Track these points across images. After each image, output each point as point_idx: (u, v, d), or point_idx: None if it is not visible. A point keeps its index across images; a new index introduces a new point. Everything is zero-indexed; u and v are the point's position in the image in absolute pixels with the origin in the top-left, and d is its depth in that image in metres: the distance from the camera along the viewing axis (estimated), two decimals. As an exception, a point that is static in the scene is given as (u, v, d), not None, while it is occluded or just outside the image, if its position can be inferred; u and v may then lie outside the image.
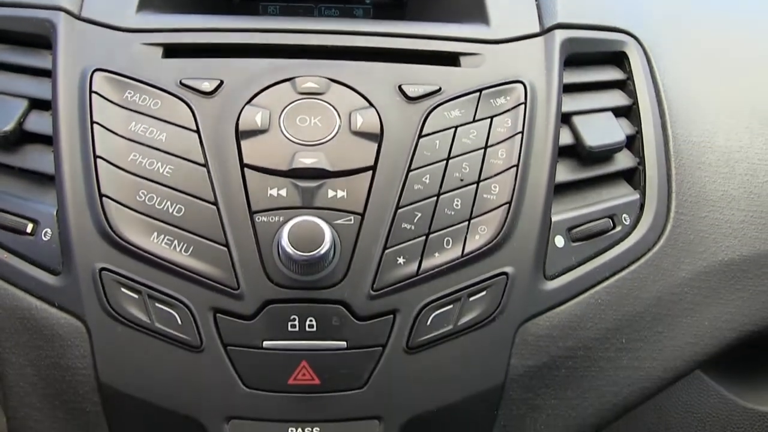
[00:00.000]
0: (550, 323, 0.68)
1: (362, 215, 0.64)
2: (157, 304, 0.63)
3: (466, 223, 0.66)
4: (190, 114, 0.67)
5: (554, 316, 0.68)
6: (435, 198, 0.66)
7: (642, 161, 0.74)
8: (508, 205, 0.66)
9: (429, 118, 0.68)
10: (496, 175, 0.67)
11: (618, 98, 0.77)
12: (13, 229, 0.66)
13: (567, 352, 0.69)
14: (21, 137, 0.68)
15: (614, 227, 0.71)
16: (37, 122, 0.68)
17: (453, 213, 0.65)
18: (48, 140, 0.68)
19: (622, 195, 0.73)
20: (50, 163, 0.67)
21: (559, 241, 0.69)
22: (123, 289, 0.64)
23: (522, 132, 0.69)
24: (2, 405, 0.67)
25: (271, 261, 0.63)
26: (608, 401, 0.71)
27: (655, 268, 0.72)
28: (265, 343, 0.63)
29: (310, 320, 0.63)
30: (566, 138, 0.72)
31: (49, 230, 0.66)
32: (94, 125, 0.66)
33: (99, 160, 0.65)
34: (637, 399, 0.72)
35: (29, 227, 0.66)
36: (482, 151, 0.68)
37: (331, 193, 0.64)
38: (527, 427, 0.68)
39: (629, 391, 0.71)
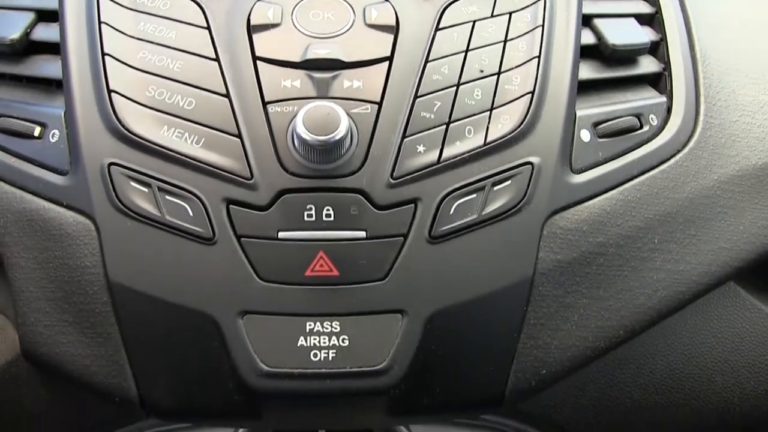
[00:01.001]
0: (579, 217, 0.65)
1: (379, 104, 0.62)
2: (167, 197, 0.61)
3: (488, 112, 0.63)
4: (200, 12, 0.65)
5: (583, 210, 0.65)
6: (455, 88, 0.63)
7: (668, 66, 0.72)
8: (530, 94, 0.64)
9: (446, 12, 0.66)
10: (517, 66, 0.65)
11: (641, 6, 0.75)
12: (20, 133, 0.64)
13: (598, 248, 0.65)
14: (28, 47, 0.66)
15: (641, 127, 0.68)
16: (45, 32, 0.67)
17: (474, 103, 0.63)
18: (55, 49, 0.66)
19: (648, 97, 0.70)
20: (58, 69, 0.65)
21: (585, 135, 0.66)
22: (132, 183, 0.61)
23: (542, 26, 0.66)
24: (11, 313, 0.64)
25: (286, 150, 0.61)
26: (642, 304, 0.67)
27: (685, 170, 0.69)
28: (280, 234, 0.60)
29: (327, 210, 0.61)
30: (588, 38, 0.69)
31: (56, 131, 0.64)
32: (102, 26, 0.64)
33: (107, 58, 0.63)
34: (672, 304, 0.68)
35: (37, 131, 0.65)
36: (502, 44, 0.66)
37: (346, 83, 0.62)
38: (558, 326, 0.64)
39: (663, 294, 0.68)
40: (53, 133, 0.64)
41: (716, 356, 0.74)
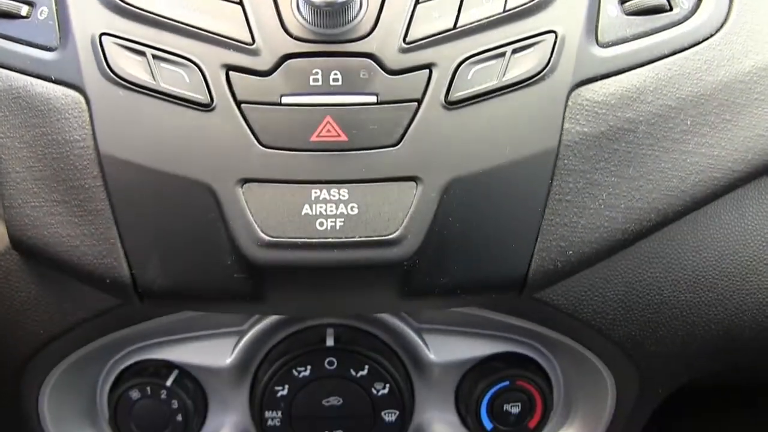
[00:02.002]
0: (607, 90, 0.60)
1: None
2: (162, 65, 0.56)
3: (507, -22, 0.58)
4: None
5: (611, 83, 0.60)
6: (471, -49, 0.58)
7: None
8: None
9: None
10: None
11: None
12: (6, 13, 0.60)
13: (627, 124, 0.60)
14: None
15: (671, 9, 0.63)
16: None
17: None
18: None
19: None
20: None
21: (612, 10, 0.61)
22: (125, 52, 0.57)
23: None
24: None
25: (290, 14, 0.56)
26: (675, 187, 0.62)
27: (719, 53, 0.64)
28: (284, 99, 0.56)
29: (335, 74, 0.56)
30: None
31: (45, 8, 0.60)
32: None
33: None
34: (706, 190, 0.63)
35: (24, 10, 0.61)
36: None
37: None
38: (586, 205, 0.59)
39: (697, 179, 0.63)
40: (41, 11, 0.60)
41: (751, 254, 0.69)
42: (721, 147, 0.65)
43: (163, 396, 0.76)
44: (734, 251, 0.70)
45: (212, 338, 0.78)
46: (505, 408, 0.77)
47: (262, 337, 0.76)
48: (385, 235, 0.56)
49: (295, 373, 0.74)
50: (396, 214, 0.56)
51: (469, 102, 0.57)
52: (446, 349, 0.77)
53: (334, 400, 0.75)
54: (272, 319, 0.75)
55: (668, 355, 0.72)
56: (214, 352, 0.77)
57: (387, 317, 0.75)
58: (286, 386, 0.75)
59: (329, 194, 0.56)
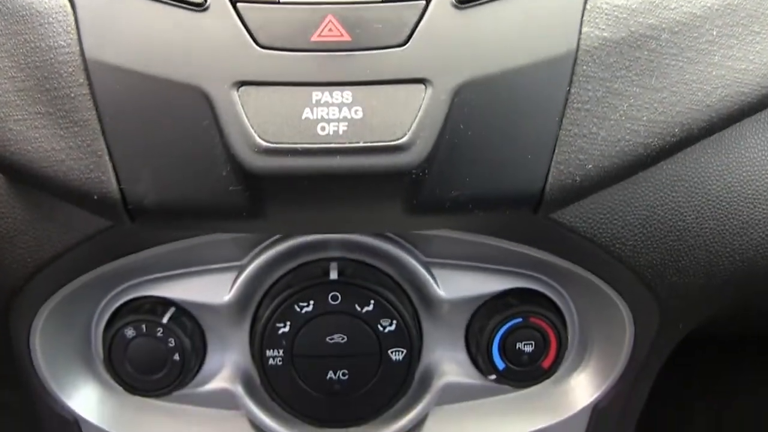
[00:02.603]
0: (628, -7, 0.55)
1: None
2: None
3: None
4: None
5: (632, -13, 0.55)
6: None
7: None
8: None
9: None
10: None
11: None
12: None
13: (649, 30, 0.56)
14: None
15: None
16: None
17: None
18: None
19: None
20: None
21: None
22: None
23: None
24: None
25: None
26: (700, 101, 0.58)
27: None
28: (281, -3, 0.51)
29: (337, -30, 0.51)
30: None
31: None
32: None
33: None
34: (733, 106, 0.59)
35: None
36: None
37: None
38: (606, 115, 0.55)
39: (724, 93, 0.59)
40: None
41: (779, 181, 0.64)
42: (749, 61, 0.61)
43: (159, 334, 0.73)
44: (761, 177, 0.66)
45: (210, 274, 0.74)
46: (517, 346, 0.73)
47: (262, 272, 0.72)
48: (391, 141, 0.52)
49: (297, 309, 0.71)
50: (403, 119, 0.52)
51: (480, 1, 0.53)
52: (456, 285, 0.73)
53: (339, 338, 0.71)
54: (273, 253, 0.71)
55: (689, 288, 0.68)
56: (212, 289, 0.74)
57: (393, 250, 0.71)
58: (288, 323, 0.71)
59: (331, 97, 0.52)
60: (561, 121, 0.55)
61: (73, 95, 0.54)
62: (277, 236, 0.72)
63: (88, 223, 0.61)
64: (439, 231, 0.68)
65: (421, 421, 0.78)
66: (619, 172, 0.58)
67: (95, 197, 0.55)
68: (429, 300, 0.74)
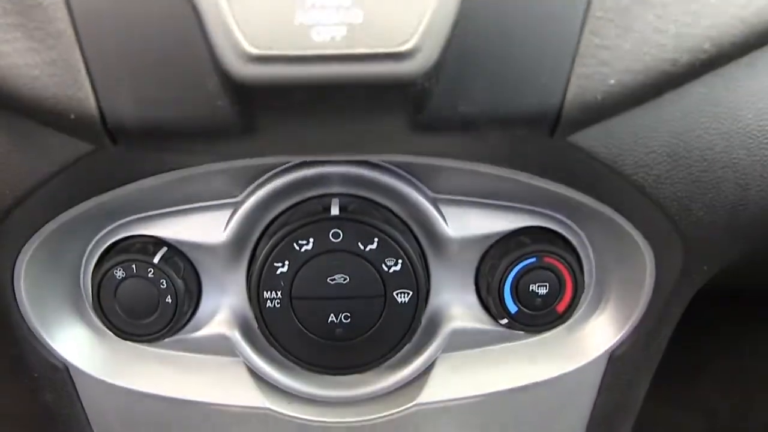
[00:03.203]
0: None
1: None
2: None
3: None
4: None
5: None
6: None
7: None
8: None
9: None
10: None
11: None
12: None
13: (679, -66, 0.50)
14: None
15: None
16: None
17: None
18: None
19: None
20: None
21: None
22: None
23: None
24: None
25: None
26: (733, 15, 0.55)
27: None
28: None
29: None
30: None
31: None
32: None
33: None
34: None
35: None
36: None
37: None
38: (630, 26, 0.52)
39: (760, 6, 0.53)
40: None
41: (816, 108, 0.59)
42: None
43: (150, 275, 0.68)
44: (796, 104, 0.60)
45: (205, 212, 0.69)
46: (531, 289, 0.68)
47: (259, 209, 0.68)
48: (395, 47, 0.47)
49: (296, 248, 0.66)
50: (408, 23, 0.47)
51: None
52: (465, 223, 0.68)
53: (340, 278, 0.67)
54: (270, 188, 0.66)
55: (716, 225, 0.63)
56: (206, 228, 0.69)
57: (399, 185, 0.66)
58: (287, 262, 0.66)
59: None
60: (581, 30, 0.50)
61: (46, 4, 0.49)
62: (275, 171, 0.67)
63: (69, 149, 0.56)
64: (447, 162, 0.63)
65: (427, 369, 0.73)
66: (644, 90, 0.53)
67: (72, 116, 0.50)
68: (437, 239, 0.69)
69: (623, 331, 0.72)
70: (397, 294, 0.68)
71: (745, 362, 1.78)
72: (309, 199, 0.69)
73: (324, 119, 0.50)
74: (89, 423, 0.76)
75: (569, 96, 0.50)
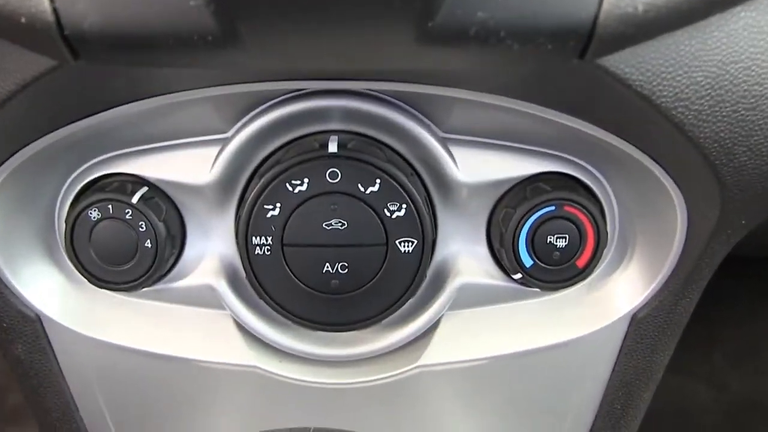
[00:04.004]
0: None
1: None
2: None
3: None
4: None
5: None
6: None
7: None
8: None
9: None
10: None
11: None
12: None
13: None
14: None
15: None
16: None
17: None
18: None
19: None
20: None
21: None
22: None
23: None
24: None
25: None
26: None
27: None
28: None
29: None
30: None
31: None
32: None
33: None
34: None
35: None
36: None
37: None
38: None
39: None
40: None
41: None
42: None
43: (127, 216, 0.62)
44: None
45: (190, 148, 0.63)
46: (548, 240, 0.62)
47: (249, 146, 0.61)
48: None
49: (289, 188, 0.59)
50: None
51: None
52: (477, 166, 0.61)
53: (337, 224, 0.60)
54: (262, 122, 0.60)
55: (760, 171, 0.56)
56: (191, 166, 0.62)
57: (405, 122, 0.59)
58: (278, 205, 0.59)
59: None
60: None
61: None
62: (267, 104, 0.60)
63: (29, 64, 0.49)
64: (457, 92, 0.55)
65: (431, 328, 0.67)
66: (690, 7, 0.45)
67: (23, 20, 0.43)
68: (445, 183, 0.62)
69: (648, 291, 0.65)
70: (400, 243, 0.61)
71: (758, 335, 1.72)
72: (305, 136, 0.62)
73: (314, 23, 0.43)
74: (64, 378, 0.70)
75: (606, 5, 0.43)
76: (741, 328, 1.72)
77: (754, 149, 0.55)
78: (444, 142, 0.61)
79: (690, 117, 0.52)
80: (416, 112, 0.61)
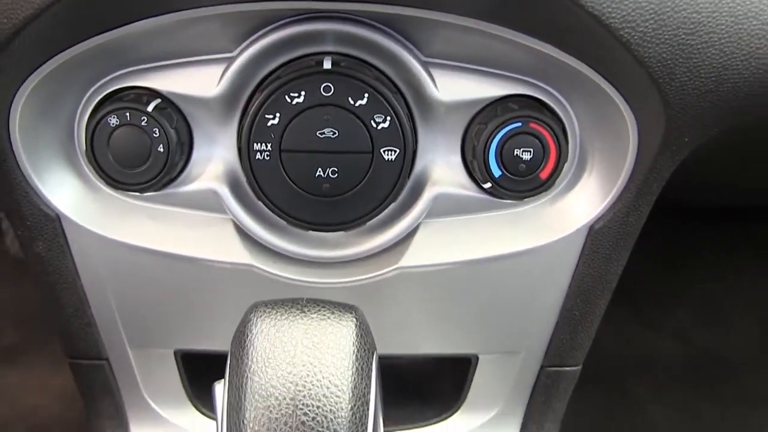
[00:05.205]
0: None
1: None
2: None
3: None
4: None
5: None
6: None
7: None
8: None
9: None
10: None
11: None
12: None
13: None
14: None
15: None
16: None
17: None
18: None
19: None
20: None
21: None
22: None
23: None
24: None
25: None
26: None
27: None
28: None
29: None
30: None
31: None
32: None
33: None
34: None
35: None
36: None
37: None
38: None
39: None
40: None
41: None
42: None
43: (143, 123, 0.70)
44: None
45: (199, 65, 0.71)
46: (515, 153, 0.70)
47: (252, 64, 0.69)
48: None
49: (288, 100, 0.67)
50: None
51: None
52: (454, 88, 0.70)
53: (330, 132, 0.68)
54: (264, 43, 0.68)
55: (699, 92, 0.65)
56: (200, 81, 0.71)
57: (391, 45, 0.68)
58: (278, 114, 0.68)
59: None
60: None
61: None
62: (269, 27, 0.68)
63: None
64: (436, 15, 0.64)
65: (410, 234, 0.75)
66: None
67: None
68: (425, 101, 0.70)
69: (604, 204, 0.74)
70: (384, 151, 0.70)
71: (721, 294, 1.82)
72: (303, 57, 0.70)
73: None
74: (78, 275, 0.78)
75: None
76: (705, 287, 1.81)
77: (693, 71, 0.64)
78: (425, 65, 0.70)
79: (636, 37, 0.61)
80: (401, 38, 0.69)
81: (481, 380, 0.87)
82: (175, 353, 0.85)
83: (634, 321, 1.75)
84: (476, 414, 0.89)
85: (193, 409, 0.89)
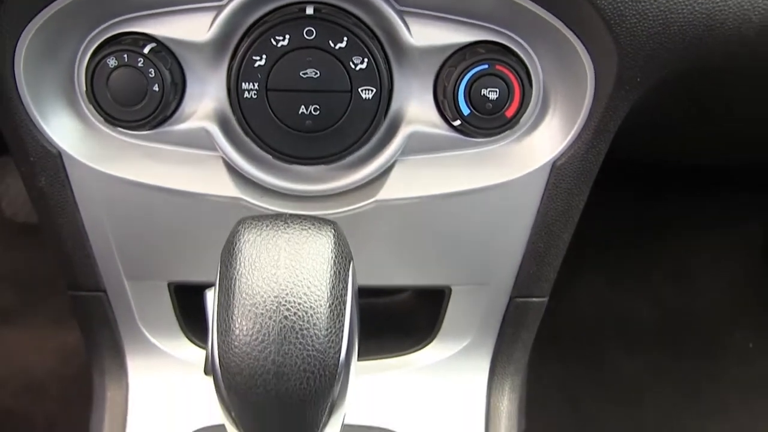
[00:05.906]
0: None
1: None
2: None
3: None
4: None
5: None
6: None
7: None
8: None
9: None
10: None
11: None
12: None
13: None
14: None
15: None
16: None
17: None
18: None
19: None
20: None
21: None
22: None
23: None
24: None
25: None
26: None
27: None
28: None
29: None
30: None
31: None
32: None
33: None
34: None
35: None
36: None
37: None
38: None
39: None
40: None
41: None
42: None
43: (139, 64, 0.76)
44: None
45: (191, 13, 0.77)
46: (483, 93, 0.77)
47: (241, 11, 0.75)
48: None
49: (273, 43, 0.74)
50: None
51: None
52: (427, 34, 0.77)
53: (312, 72, 0.75)
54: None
55: (648, 34, 0.71)
56: (192, 27, 0.77)
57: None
58: (264, 56, 0.74)
59: None
60: None
61: None
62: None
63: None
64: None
65: (387, 170, 0.82)
66: None
67: None
68: (400, 46, 0.77)
69: (565, 142, 0.80)
70: (362, 90, 0.76)
71: (692, 260, 1.89)
72: (287, 5, 0.76)
73: None
74: (78, 207, 0.84)
75: None
76: (676, 252, 1.89)
77: (642, 13, 0.71)
78: (400, 14, 0.76)
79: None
80: None
81: (454, 312, 0.94)
82: (169, 285, 0.91)
83: (610, 286, 1.83)
84: (450, 344, 0.96)
85: (186, 339, 0.96)
